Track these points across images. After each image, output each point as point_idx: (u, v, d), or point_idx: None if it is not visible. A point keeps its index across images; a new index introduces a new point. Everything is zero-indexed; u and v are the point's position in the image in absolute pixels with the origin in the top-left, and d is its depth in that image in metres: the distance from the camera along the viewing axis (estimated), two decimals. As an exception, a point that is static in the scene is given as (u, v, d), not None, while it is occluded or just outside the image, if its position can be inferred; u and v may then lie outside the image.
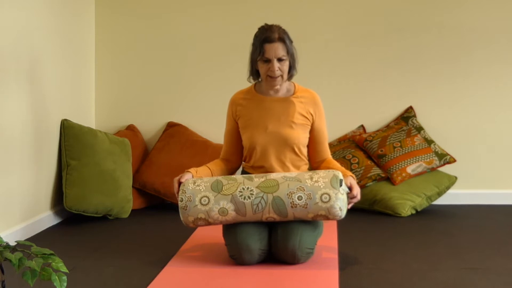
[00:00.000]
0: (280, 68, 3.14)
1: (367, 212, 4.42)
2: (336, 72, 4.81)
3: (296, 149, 3.24)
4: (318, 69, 4.78)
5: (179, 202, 3.07)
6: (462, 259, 3.26)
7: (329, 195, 2.96)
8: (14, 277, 2.77)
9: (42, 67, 3.98)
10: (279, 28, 3.17)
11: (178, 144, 4.71)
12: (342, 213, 3.01)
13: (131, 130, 4.80)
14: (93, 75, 4.88)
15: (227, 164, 3.36)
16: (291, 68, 3.21)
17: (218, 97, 4.76)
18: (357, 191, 3.09)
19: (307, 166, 3.33)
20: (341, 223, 3.98)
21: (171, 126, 4.85)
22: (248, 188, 3.01)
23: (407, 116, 4.75)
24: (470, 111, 4.75)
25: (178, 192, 3.11)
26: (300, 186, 2.99)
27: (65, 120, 4.23)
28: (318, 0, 4.79)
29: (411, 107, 4.78)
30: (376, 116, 4.82)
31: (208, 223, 3.07)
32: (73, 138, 4.18)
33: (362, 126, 4.83)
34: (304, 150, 3.29)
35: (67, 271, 2.24)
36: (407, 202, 4.34)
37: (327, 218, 3.02)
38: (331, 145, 4.74)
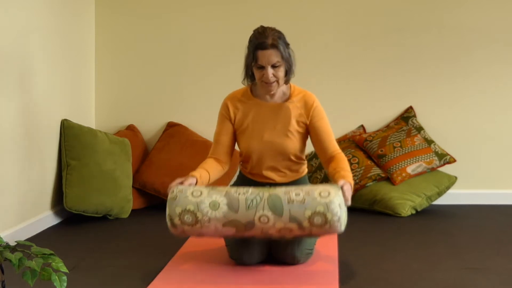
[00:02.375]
0: (274, 74, 3.05)
1: (367, 212, 4.42)
2: (336, 72, 4.81)
3: (293, 157, 3.20)
4: (318, 69, 4.78)
5: (169, 194, 2.90)
6: (462, 259, 3.25)
7: (328, 191, 2.82)
8: (14, 277, 2.77)
9: (42, 67, 3.98)
10: (273, 32, 3.06)
11: (178, 144, 4.71)
12: (341, 213, 2.78)
13: (131, 130, 4.80)
14: (93, 75, 4.88)
15: (219, 163, 3.22)
16: (288, 72, 3.11)
17: (218, 97, 4.72)
18: (346, 198, 2.87)
19: (305, 166, 3.31)
20: (341, 223, 3.98)
21: (171, 126, 4.85)
22: (243, 188, 2.92)
23: (407, 116, 4.75)
24: (470, 111, 4.75)
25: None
26: (298, 188, 2.89)
27: (65, 120, 4.23)
28: (318, 0, 4.79)
29: (411, 107, 4.78)
30: (376, 116, 4.82)
31: (195, 218, 2.82)
32: (73, 138, 4.18)
33: (362, 126, 4.83)
34: (302, 154, 3.25)
35: (67, 271, 2.24)
36: (407, 202, 4.34)
37: (324, 218, 2.77)
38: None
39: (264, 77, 3.06)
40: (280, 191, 2.87)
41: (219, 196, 2.86)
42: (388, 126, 4.76)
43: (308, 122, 3.17)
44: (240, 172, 3.36)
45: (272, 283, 2.85)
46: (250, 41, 3.11)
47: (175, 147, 4.70)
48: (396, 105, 4.81)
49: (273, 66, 3.04)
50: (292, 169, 3.22)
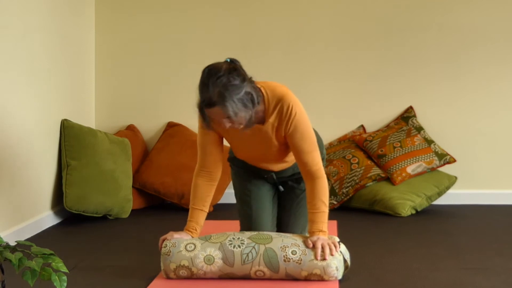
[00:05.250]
0: (233, 122, 2.68)
1: (367, 212, 4.42)
2: (336, 72, 4.81)
3: (284, 158, 3.05)
4: (318, 70, 4.78)
5: (162, 249, 2.86)
6: (462, 259, 3.25)
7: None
8: (14, 277, 2.77)
9: (42, 67, 3.98)
10: (218, 81, 2.62)
11: (178, 144, 4.71)
12: (339, 274, 2.80)
13: (131, 130, 4.80)
14: (93, 75, 4.88)
15: (211, 179, 2.98)
16: (251, 117, 2.71)
17: (218, 97, 4.75)
18: (326, 251, 2.77)
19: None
20: (341, 223, 3.98)
21: (171, 126, 4.85)
22: (238, 238, 2.84)
23: (407, 116, 4.75)
24: (470, 111, 4.75)
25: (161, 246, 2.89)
26: (295, 243, 2.82)
27: (65, 120, 4.23)
28: (318, 1, 4.79)
29: (411, 107, 4.78)
30: (376, 116, 4.82)
31: (190, 273, 2.83)
32: (73, 138, 4.18)
33: (362, 126, 4.83)
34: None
35: (67, 271, 2.24)
36: (407, 202, 4.34)
37: (321, 278, 2.80)
38: (331, 145, 4.75)
39: (222, 126, 2.72)
40: (276, 245, 2.81)
41: (214, 250, 2.83)
42: (388, 126, 4.76)
43: (284, 134, 2.88)
44: (232, 154, 3.16)
45: (272, 283, 2.84)
46: (199, 88, 2.73)
47: (175, 147, 4.70)
48: (396, 105, 4.81)
49: (228, 117, 2.67)
50: (287, 160, 3.07)
